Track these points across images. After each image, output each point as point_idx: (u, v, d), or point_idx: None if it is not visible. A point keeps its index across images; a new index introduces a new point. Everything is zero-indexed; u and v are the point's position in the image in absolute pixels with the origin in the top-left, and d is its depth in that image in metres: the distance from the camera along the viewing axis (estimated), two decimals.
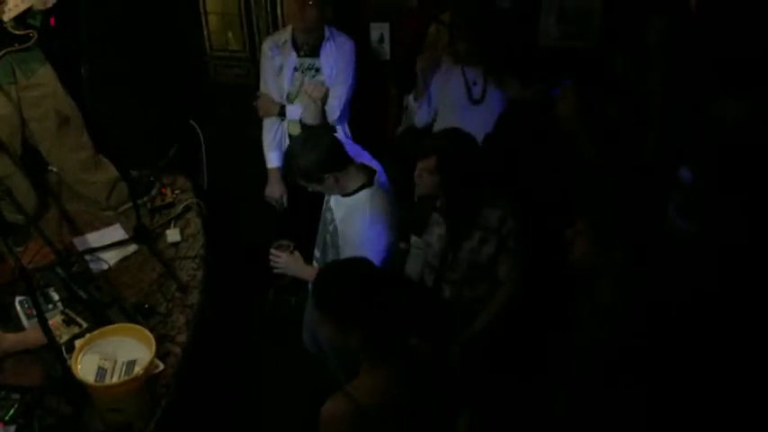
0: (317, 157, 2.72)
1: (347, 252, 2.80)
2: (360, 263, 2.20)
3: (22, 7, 2.97)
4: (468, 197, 2.76)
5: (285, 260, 2.87)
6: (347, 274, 2.14)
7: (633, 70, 3.46)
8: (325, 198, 3.04)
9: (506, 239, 2.75)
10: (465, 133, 2.81)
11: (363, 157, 2.99)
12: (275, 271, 2.90)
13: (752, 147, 2.78)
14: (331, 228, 2.94)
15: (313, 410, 2.05)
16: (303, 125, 3.50)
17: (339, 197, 2.88)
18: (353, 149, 3.02)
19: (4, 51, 3.05)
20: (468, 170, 2.70)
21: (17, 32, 3.04)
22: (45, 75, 3.25)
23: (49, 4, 3.01)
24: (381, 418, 1.98)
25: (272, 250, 2.89)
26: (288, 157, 2.86)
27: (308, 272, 2.90)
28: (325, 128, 3.09)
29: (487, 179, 2.77)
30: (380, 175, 2.94)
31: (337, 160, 2.76)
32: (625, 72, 3.49)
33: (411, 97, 4.12)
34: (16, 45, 3.07)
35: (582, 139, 3.38)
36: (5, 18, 2.97)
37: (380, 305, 2.02)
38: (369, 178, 2.84)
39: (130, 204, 3.36)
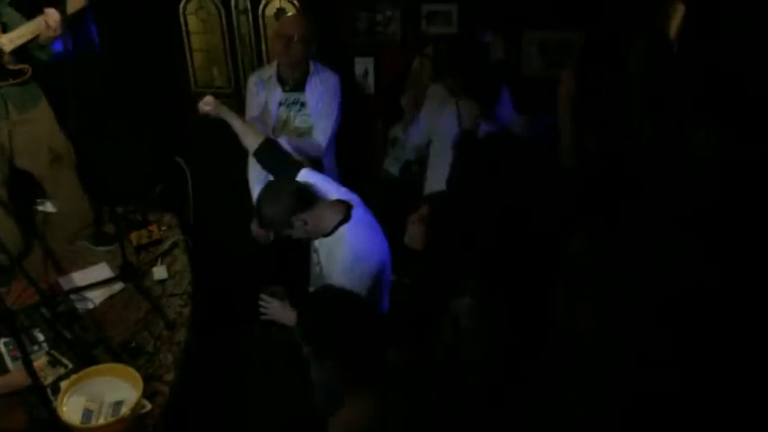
0: (278, 205, 2.66)
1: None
2: (338, 292, 2.24)
3: (18, 42, 2.98)
4: (447, 268, 2.63)
5: (275, 308, 2.78)
6: (324, 304, 2.18)
7: (616, 98, 3.51)
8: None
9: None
10: (468, 198, 2.79)
11: (336, 190, 2.92)
12: (263, 317, 2.82)
13: (722, 174, 2.83)
14: (318, 269, 2.90)
15: None
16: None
17: (322, 239, 2.83)
18: (327, 185, 2.97)
19: None
20: (455, 232, 2.60)
21: (12, 67, 3.05)
22: (40, 110, 3.26)
23: (58, 33, 2.98)
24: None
25: (263, 296, 2.80)
26: (256, 210, 2.81)
27: (293, 318, 2.86)
28: (288, 175, 3.04)
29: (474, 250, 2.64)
30: (358, 205, 2.89)
31: (300, 204, 2.67)
32: (609, 100, 3.54)
33: (398, 129, 4.16)
34: (10, 80, 3.08)
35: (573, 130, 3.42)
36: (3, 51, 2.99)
37: (352, 333, 2.04)
38: (345, 213, 2.75)
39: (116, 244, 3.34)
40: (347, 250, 2.68)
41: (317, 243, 2.89)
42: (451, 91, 3.57)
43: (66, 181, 3.43)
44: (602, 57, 3.70)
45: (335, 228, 2.72)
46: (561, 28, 3.89)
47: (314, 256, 2.98)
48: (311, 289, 3.08)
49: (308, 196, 2.72)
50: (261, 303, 2.78)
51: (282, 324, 2.81)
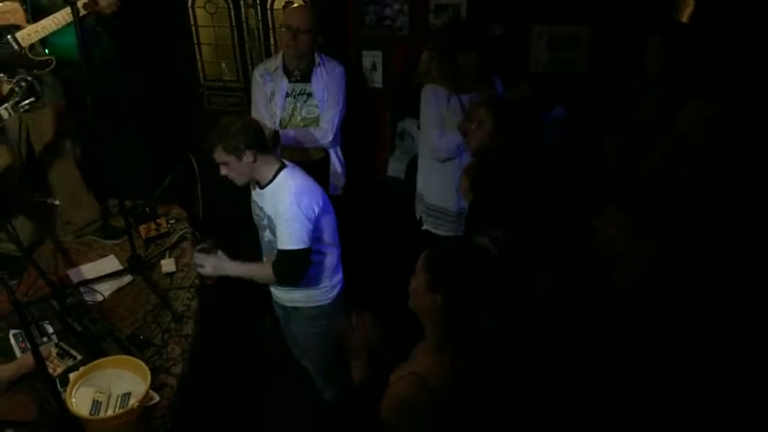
0: (245, 132, 2.79)
1: (279, 227, 2.85)
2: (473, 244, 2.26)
3: (37, 36, 3.00)
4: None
5: (210, 263, 2.94)
6: (457, 243, 2.27)
7: (636, 94, 3.49)
8: (252, 200, 3.08)
9: None
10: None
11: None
12: (200, 272, 2.95)
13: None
14: (265, 221, 2.98)
15: None
16: None
17: (262, 192, 2.93)
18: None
19: (21, 76, 3.07)
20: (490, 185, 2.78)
21: (37, 58, 3.07)
22: (52, 111, 3.28)
23: (114, 7, 3.07)
24: (450, 401, 1.97)
25: (196, 254, 2.94)
26: (217, 128, 2.87)
27: (232, 268, 2.97)
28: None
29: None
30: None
31: (260, 142, 2.84)
32: (630, 95, 3.52)
33: (406, 122, 4.15)
34: (35, 71, 3.09)
35: None
36: (24, 44, 3.00)
37: (472, 277, 2.04)
38: (281, 163, 2.92)
39: (125, 237, 3.36)
40: (292, 185, 2.85)
41: (258, 201, 3.00)
42: (453, 87, 3.52)
43: (69, 177, 3.46)
44: (617, 57, 3.68)
45: (275, 175, 2.88)
46: (570, 21, 3.87)
47: (258, 214, 3.06)
48: (263, 240, 3.14)
49: (266, 142, 2.90)
50: (195, 263, 2.94)
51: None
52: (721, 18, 3.53)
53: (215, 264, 2.95)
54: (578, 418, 2.31)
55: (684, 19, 3.67)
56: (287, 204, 2.82)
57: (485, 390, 2.07)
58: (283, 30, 3.58)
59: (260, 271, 2.99)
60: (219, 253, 2.97)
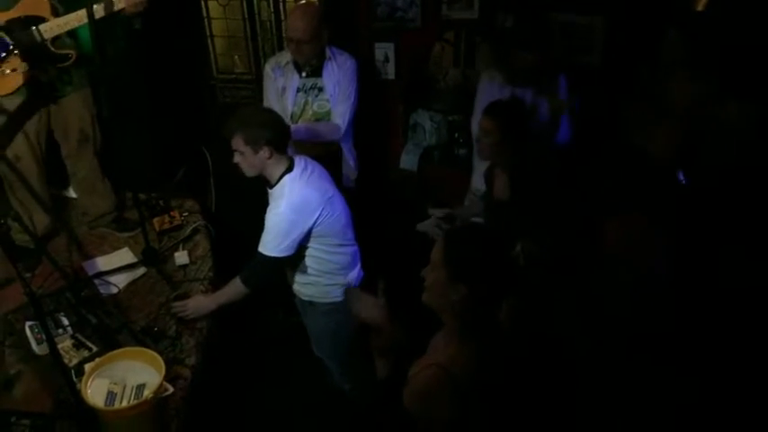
0: (269, 126, 2.79)
1: (265, 229, 2.87)
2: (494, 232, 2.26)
3: (59, 31, 3.03)
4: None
5: (191, 305, 2.95)
6: (477, 232, 2.22)
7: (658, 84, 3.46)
8: None
9: None
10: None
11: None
12: (188, 318, 2.93)
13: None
14: None
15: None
16: None
17: (270, 192, 2.94)
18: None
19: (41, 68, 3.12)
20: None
21: (59, 51, 3.10)
22: (77, 99, 3.32)
23: (141, 8, 3.12)
24: (474, 389, 1.97)
25: (174, 304, 2.97)
26: (240, 114, 2.88)
27: (212, 300, 2.99)
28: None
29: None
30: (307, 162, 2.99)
31: (281, 140, 2.83)
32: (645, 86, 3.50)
33: (418, 115, 4.13)
34: (56, 64, 3.14)
35: None
36: (46, 36, 3.03)
37: (494, 267, 2.02)
38: (290, 163, 2.89)
39: (138, 230, 3.37)
40: (287, 196, 2.84)
41: (269, 195, 2.99)
42: (507, 77, 3.51)
43: (88, 165, 3.50)
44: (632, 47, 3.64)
45: (280, 178, 2.87)
46: (583, 11, 3.83)
47: None
48: None
49: (286, 142, 2.89)
50: (175, 312, 2.94)
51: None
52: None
53: (195, 305, 2.96)
54: (600, 402, 2.31)
55: (700, 8, 3.63)
56: (276, 213, 2.84)
57: (509, 375, 2.07)
58: (288, 40, 3.58)
59: (233, 289, 2.96)
60: (196, 296, 3.03)
